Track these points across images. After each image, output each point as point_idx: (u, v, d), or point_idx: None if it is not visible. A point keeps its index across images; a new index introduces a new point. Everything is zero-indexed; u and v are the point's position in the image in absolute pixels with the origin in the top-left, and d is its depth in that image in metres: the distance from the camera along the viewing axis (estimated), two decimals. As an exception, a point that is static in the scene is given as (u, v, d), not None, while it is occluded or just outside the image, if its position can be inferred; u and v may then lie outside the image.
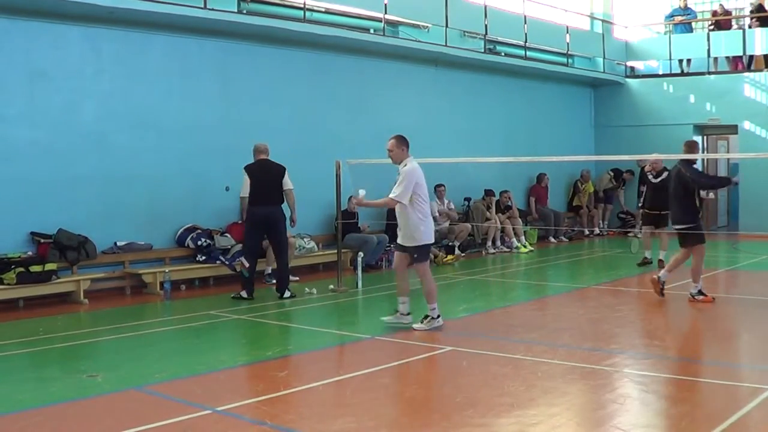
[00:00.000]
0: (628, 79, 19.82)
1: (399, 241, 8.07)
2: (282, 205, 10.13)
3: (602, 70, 19.37)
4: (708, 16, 20.29)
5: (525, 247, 15.36)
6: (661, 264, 12.80)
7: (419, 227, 7.85)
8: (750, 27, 18.31)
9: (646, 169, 13.03)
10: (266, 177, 10.00)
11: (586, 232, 18.04)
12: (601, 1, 20.46)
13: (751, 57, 18.36)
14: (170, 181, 11.29)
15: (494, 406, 5.40)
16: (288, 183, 10.13)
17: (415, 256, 7.90)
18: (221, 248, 11.31)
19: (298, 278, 11.54)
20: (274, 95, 12.61)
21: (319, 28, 12.57)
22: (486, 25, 15.88)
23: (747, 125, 18.11)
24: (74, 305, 9.69)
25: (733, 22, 19.35)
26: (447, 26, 14.87)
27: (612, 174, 18.67)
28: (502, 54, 16.95)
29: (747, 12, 19.24)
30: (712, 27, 19.18)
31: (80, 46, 10.43)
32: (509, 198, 15.75)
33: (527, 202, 17.45)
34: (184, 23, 11.06)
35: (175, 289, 10.49)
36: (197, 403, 5.50)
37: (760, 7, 18.44)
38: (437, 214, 14.53)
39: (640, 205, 13.73)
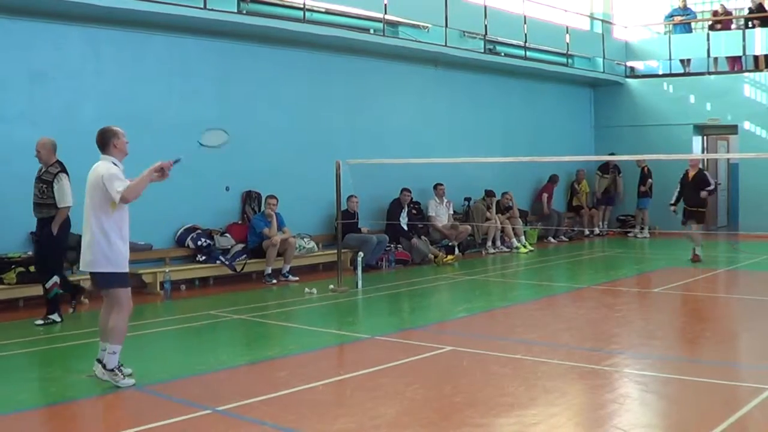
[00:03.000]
0: (628, 79, 19.82)
1: (99, 267, 6.07)
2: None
3: (602, 70, 19.36)
4: (708, 16, 20.31)
5: (525, 247, 15.35)
6: (697, 259, 12.92)
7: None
8: (753, 26, 18.27)
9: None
10: None
11: (586, 232, 18.04)
12: (601, 1, 20.45)
13: (756, 57, 18.33)
14: (170, 181, 11.23)
15: (494, 406, 5.40)
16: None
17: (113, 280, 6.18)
18: (221, 248, 11.31)
19: (298, 278, 11.54)
20: (273, 95, 12.60)
21: (318, 29, 12.57)
22: (486, 25, 15.88)
23: (747, 125, 18.10)
24: (74, 305, 9.66)
25: (733, 22, 19.35)
26: (447, 26, 14.86)
27: (599, 172, 18.62)
28: (502, 54, 16.95)
29: (747, 12, 19.21)
30: (712, 26, 19.18)
31: (80, 46, 10.43)
32: (510, 199, 15.75)
33: (539, 200, 17.46)
34: (183, 23, 11.06)
35: (175, 289, 10.48)
36: (197, 403, 5.50)
37: (760, 7, 18.43)
38: (433, 213, 14.54)
39: (672, 202, 13.62)
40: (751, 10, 18.69)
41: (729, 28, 19.06)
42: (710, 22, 19.48)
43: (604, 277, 12.27)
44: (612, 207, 18.77)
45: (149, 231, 10.95)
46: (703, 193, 13.06)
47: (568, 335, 7.94)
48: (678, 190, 13.42)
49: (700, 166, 13.40)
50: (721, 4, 19.72)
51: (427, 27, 15.12)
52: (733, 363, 6.91)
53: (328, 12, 13.32)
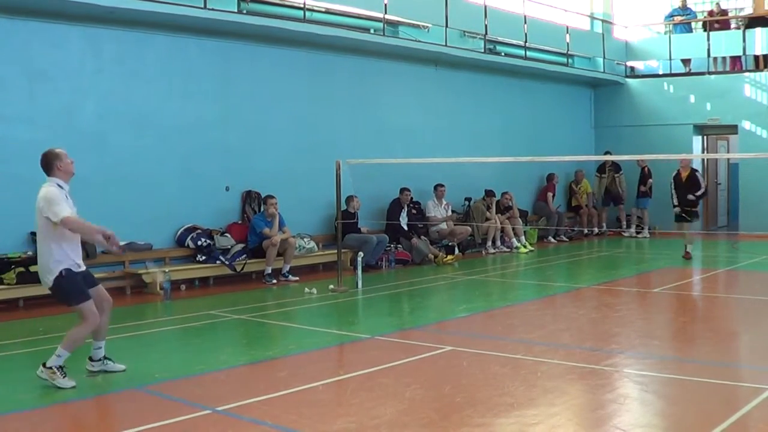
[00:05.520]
0: (628, 79, 19.81)
1: (54, 284, 6.06)
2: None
3: (602, 70, 19.36)
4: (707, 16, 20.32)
5: (525, 247, 15.35)
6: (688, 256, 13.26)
7: None
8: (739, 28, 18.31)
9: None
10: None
11: (586, 232, 18.03)
12: (601, 1, 20.45)
13: (756, 57, 18.34)
14: (170, 181, 11.29)
15: (494, 406, 5.40)
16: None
17: None
18: (221, 248, 11.31)
19: (298, 278, 11.55)
20: (274, 95, 12.60)
21: (319, 28, 12.57)
22: (486, 25, 15.88)
23: (747, 125, 18.10)
24: (74, 305, 9.66)
25: (733, 22, 19.36)
26: (447, 26, 14.86)
27: (597, 174, 18.56)
28: (502, 54, 16.95)
29: (740, 13, 19.22)
30: (710, 26, 19.19)
31: (80, 46, 10.43)
32: (510, 199, 15.75)
33: (544, 200, 17.46)
34: (184, 23, 11.06)
35: (175, 289, 10.48)
36: (197, 403, 5.50)
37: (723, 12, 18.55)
38: (433, 214, 14.54)
39: (676, 204, 13.75)
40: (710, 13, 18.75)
41: (729, 28, 19.07)
42: (708, 22, 19.49)
43: (604, 277, 12.26)
44: (622, 206, 18.52)
45: (149, 231, 10.97)
46: (690, 197, 13.37)
47: (568, 335, 7.94)
48: (674, 192, 13.67)
49: (692, 166, 13.47)
50: (717, 3, 19.72)
51: (427, 27, 15.12)
52: (733, 363, 6.90)
53: (328, 12, 13.31)
